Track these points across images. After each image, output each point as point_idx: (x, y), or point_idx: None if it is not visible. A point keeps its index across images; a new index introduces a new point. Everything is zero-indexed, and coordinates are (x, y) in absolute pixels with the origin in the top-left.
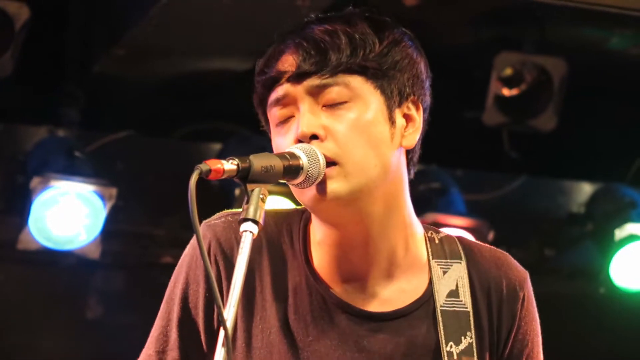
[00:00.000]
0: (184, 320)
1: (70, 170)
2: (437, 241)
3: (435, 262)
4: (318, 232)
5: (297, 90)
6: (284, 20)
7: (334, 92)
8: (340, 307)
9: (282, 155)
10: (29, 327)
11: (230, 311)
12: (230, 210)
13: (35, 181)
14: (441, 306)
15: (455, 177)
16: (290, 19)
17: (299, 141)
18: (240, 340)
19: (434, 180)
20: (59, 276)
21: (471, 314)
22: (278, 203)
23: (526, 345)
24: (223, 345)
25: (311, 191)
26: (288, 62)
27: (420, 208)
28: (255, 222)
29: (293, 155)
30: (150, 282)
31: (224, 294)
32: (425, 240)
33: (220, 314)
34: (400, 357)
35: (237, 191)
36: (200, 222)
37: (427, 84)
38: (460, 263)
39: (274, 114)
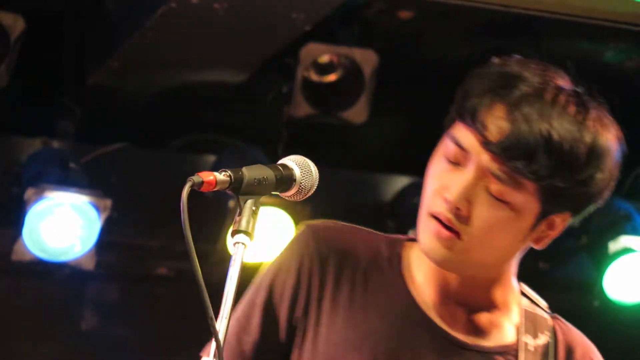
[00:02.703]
0: (269, 306)
1: (65, 181)
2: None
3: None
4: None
5: (481, 158)
6: (279, 33)
7: (505, 190)
8: (426, 324)
9: (274, 167)
10: (23, 338)
11: (222, 323)
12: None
13: (29, 192)
14: None
15: None
16: (284, 32)
17: (445, 199)
18: (323, 336)
19: None
20: (53, 287)
21: None
22: (271, 214)
23: None
24: (215, 356)
25: (427, 244)
26: (495, 129)
27: (415, 220)
28: (247, 234)
29: (286, 167)
30: (144, 294)
31: (312, 290)
32: (520, 304)
33: (212, 326)
34: None
35: (231, 203)
36: (193, 233)
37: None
38: None
39: (451, 148)
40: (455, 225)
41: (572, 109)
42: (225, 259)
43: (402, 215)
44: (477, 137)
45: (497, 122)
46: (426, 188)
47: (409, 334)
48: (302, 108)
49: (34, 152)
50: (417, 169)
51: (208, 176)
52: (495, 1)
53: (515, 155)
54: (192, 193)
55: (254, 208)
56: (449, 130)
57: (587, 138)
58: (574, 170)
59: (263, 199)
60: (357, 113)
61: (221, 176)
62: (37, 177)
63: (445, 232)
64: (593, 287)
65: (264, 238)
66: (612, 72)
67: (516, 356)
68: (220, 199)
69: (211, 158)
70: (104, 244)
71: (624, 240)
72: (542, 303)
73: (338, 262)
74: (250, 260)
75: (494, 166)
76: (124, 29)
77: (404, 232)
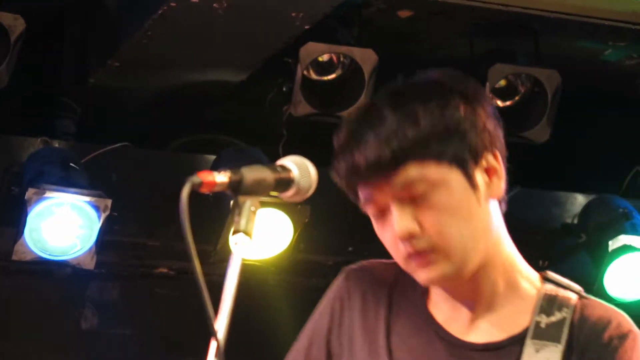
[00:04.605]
0: (309, 352)
1: (65, 181)
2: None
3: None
4: None
5: (382, 190)
6: (278, 32)
7: (416, 186)
8: (441, 334)
9: (273, 168)
10: (24, 337)
11: (222, 322)
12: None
13: (30, 192)
14: None
15: None
16: (284, 31)
17: (402, 239)
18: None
19: None
20: (53, 287)
21: None
22: (270, 215)
23: None
24: (216, 356)
25: (419, 276)
26: (362, 164)
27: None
28: (246, 233)
29: (284, 168)
30: (144, 293)
31: (343, 327)
32: (540, 286)
33: (210, 326)
34: None
35: (232, 203)
36: (194, 233)
37: (498, 127)
38: (556, 346)
39: (369, 210)
40: (422, 246)
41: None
42: (225, 259)
43: None
44: (365, 185)
45: (360, 160)
46: (387, 247)
47: (424, 347)
48: (302, 107)
49: (35, 151)
50: None
51: (207, 177)
52: (494, 0)
53: (387, 161)
54: (191, 193)
55: (252, 208)
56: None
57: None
58: (421, 131)
59: (262, 199)
60: None
61: (220, 177)
62: (37, 177)
63: (424, 260)
64: (592, 285)
65: (263, 238)
66: (611, 71)
67: (525, 336)
68: (219, 199)
69: (211, 158)
70: (104, 243)
71: (624, 239)
72: (576, 287)
73: (365, 294)
74: (250, 259)
75: (394, 180)
76: (125, 29)
77: None
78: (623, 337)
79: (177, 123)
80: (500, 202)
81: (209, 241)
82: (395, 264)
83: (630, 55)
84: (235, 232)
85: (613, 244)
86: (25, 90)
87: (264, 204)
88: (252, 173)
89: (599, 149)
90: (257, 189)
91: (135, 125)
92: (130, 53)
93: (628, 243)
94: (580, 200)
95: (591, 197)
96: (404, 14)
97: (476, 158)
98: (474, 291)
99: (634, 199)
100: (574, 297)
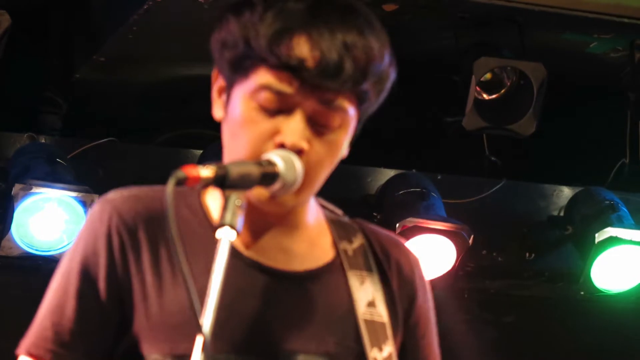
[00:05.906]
0: (83, 292)
1: (52, 177)
2: (339, 223)
3: (349, 270)
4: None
5: (305, 95)
6: None
7: (334, 116)
8: (253, 266)
9: (258, 162)
10: (11, 332)
11: (208, 317)
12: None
13: (17, 188)
14: (363, 314)
15: (435, 181)
16: None
17: (281, 145)
18: (154, 307)
19: (413, 184)
20: (40, 282)
21: (387, 325)
22: None
23: (426, 323)
24: (202, 350)
25: (261, 194)
26: (307, 59)
27: (400, 212)
28: (232, 227)
29: (270, 162)
30: None
31: (129, 264)
32: (325, 216)
33: (196, 322)
34: (317, 316)
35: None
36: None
37: None
38: (372, 275)
39: (264, 97)
40: None
41: (343, 12)
42: None
43: (387, 207)
44: (293, 78)
45: (305, 53)
46: (238, 135)
47: (239, 280)
48: None
49: (21, 147)
50: (403, 161)
51: (192, 171)
52: None
53: (332, 74)
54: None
55: (238, 202)
56: (246, 79)
57: (369, 37)
58: (377, 73)
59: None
60: None
61: (205, 171)
62: (24, 173)
63: None
64: (579, 277)
65: None
66: (596, 64)
67: (341, 266)
68: None
69: (198, 152)
70: None
71: (610, 231)
72: (338, 211)
73: (147, 229)
74: None
75: (325, 96)
76: (110, 24)
77: (390, 224)
78: (419, 265)
79: (164, 118)
80: None
81: None
82: (162, 193)
83: (615, 48)
84: (220, 226)
85: (599, 236)
86: (11, 86)
87: None
88: (237, 167)
89: (585, 142)
90: (242, 183)
91: (122, 120)
92: (116, 48)
93: (614, 235)
94: (566, 192)
95: (577, 189)
96: (389, 7)
97: (365, 117)
98: (278, 219)
99: (620, 191)
100: (350, 222)
